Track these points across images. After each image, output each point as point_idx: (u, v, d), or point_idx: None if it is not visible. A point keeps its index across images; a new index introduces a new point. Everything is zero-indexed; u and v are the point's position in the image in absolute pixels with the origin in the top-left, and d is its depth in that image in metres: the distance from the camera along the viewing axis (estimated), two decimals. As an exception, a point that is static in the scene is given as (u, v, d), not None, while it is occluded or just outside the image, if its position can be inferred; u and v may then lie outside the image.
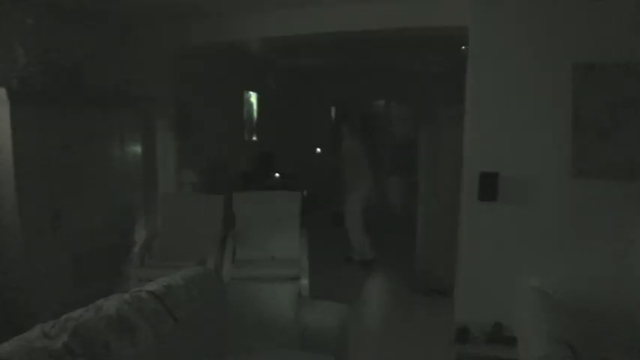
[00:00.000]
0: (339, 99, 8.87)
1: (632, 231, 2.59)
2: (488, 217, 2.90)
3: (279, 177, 7.11)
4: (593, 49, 2.57)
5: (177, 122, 4.94)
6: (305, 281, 3.69)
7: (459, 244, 3.23)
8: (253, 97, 7.55)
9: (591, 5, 2.57)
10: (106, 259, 3.87)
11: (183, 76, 5.03)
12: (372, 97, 8.78)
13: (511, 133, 2.82)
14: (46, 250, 3.36)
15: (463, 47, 3.31)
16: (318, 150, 8.56)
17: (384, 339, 3.59)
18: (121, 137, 4.10)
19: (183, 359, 1.92)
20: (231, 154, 6.56)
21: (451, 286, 3.58)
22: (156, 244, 4.17)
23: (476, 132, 2.93)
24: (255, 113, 7.62)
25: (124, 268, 3.75)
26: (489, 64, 2.84)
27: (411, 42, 3.70)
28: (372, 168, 5.56)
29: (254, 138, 7.61)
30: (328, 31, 3.95)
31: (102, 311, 1.68)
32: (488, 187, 2.79)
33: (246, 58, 6.13)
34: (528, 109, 2.76)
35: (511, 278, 2.76)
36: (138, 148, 4.34)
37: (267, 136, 7.83)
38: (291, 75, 8.15)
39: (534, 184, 2.77)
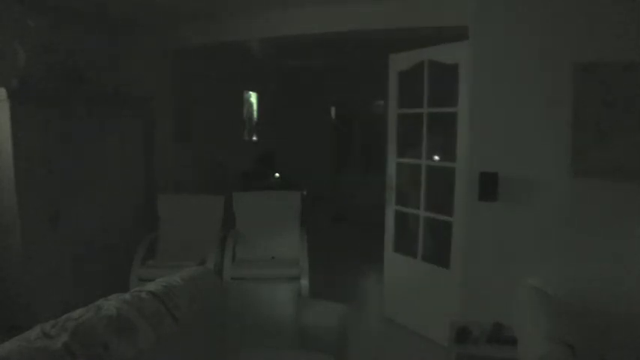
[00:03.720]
0: (339, 99, 8.87)
1: (632, 231, 2.59)
2: (488, 217, 2.91)
3: (279, 177, 7.12)
4: (593, 48, 2.57)
5: (176, 122, 4.95)
6: (305, 281, 3.69)
7: (452, 245, 3.23)
8: (253, 97, 7.55)
9: (591, 5, 2.57)
10: (106, 259, 3.88)
11: (183, 76, 5.03)
12: (372, 97, 8.78)
13: (511, 133, 2.82)
14: (46, 250, 3.36)
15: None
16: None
17: (383, 339, 3.59)
18: (121, 137, 4.10)
19: (183, 359, 1.92)
20: (231, 154, 6.56)
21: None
22: (156, 244, 4.17)
23: (476, 132, 2.93)
24: (255, 113, 7.63)
25: (123, 268, 3.75)
26: (489, 63, 2.84)
27: (411, 42, 3.70)
28: None
29: (254, 138, 7.61)
30: (328, 31, 3.95)
31: (102, 311, 1.68)
32: (488, 187, 2.79)
33: (246, 58, 6.14)
34: (528, 109, 2.76)
35: (511, 278, 2.76)
36: (138, 149, 4.34)
37: (267, 136, 7.83)
38: (291, 75, 8.16)
39: (534, 184, 2.77)
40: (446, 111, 3.33)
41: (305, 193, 5.54)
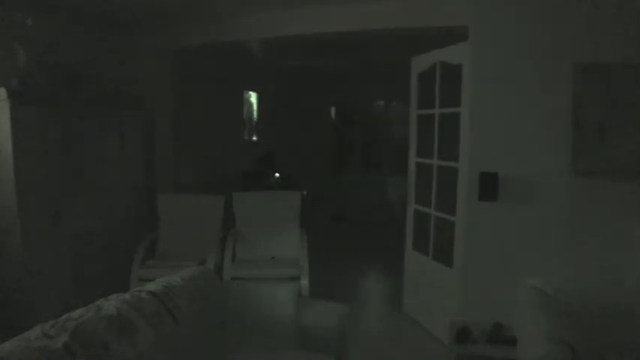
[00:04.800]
0: (339, 99, 8.87)
1: (632, 231, 2.59)
2: (489, 217, 2.91)
3: (279, 177, 7.12)
4: (593, 49, 2.57)
5: (176, 122, 4.94)
6: (305, 281, 3.69)
7: (455, 244, 3.23)
8: (253, 97, 7.55)
9: (591, 5, 2.57)
10: (106, 259, 3.88)
11: (183, 76, 5.03)
12: (372, 97, 8.79)
13: (511, 133, 2.82)
14: (46, 250, 3.36)
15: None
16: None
17: (383, 339, 3.59)
18: (121, 137, 4.10)
19: (183, 359, 1.92)
20: (231, 154, 6.56)
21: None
22: (156, 244, 4.17)
23: (476, 132, 2.93)
24: (255, 113, 7.63)
25: (123, 268, 3.75)
26: (489, 63, 2.84)
27: (411, 42, 3.71)
28: None
29: (254, 138, 7.61)
30: (328, 31, 3.95)
31: (102, 311, 1.68)
32: (489, 187, 2.79)
33: (246, 58, 6.13)
34: (528, 109, 2.76)
35: (511, 278, 2.76)
36: (138, 148, 4.34)
37: (267, 136, 7.83)
38: (291, 75, 8.16)
39: (534, 184, 2.78)
40: (451, 111, 3.31)
41: (305, 193, 5.54)
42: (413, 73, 3.81)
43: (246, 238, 4.26)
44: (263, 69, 7.34)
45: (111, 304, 1.75)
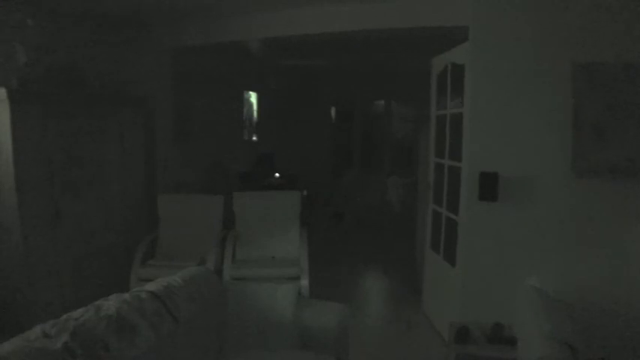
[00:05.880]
0: (339, 99, 8.88)
1: (631, 231, 2.59)
2: (489, 217, 2.91)
3: (279, 177, 7.12)
4: (593, 48, 2.58)
5: (176, 122, 4.95)
6: (305, 281, 3.69)
7: (457, 244, 3.23)
8: (253, 97, 7.56)
9: (591, 5, 2.58)
10: (106, 259, 3.88)
11: (184, 76, 5.04)
12: (372, 97, 8.79)
13: (511, 133, 2.82)
14: (46, 250, 3.36)
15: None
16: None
17: (384, 339, 3.59)
18: (121, 137, 4.10)
19: (183, 359, 1.92)
20: (231, 154, 6.57)
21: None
22: (156, 244, 4.17)
23: (476, 132, 2.93)
24: (255, 113, 7.64)
25: (123, 268, 3.75)
26: (489, 63, 2.84)
27: (411, 42, 3.71)
28: None
29: (254, 138, 7.62)
30: (328, 31, 3.95)
31: (102, 311, 1.68)
32: (489, 187, 2.79)
33: (246, 58, 6.14)
34: (528, 109, 2.76)
35: (511, 278, 2.76)
36: (138, 148, 4.34)
37: (267, 136, 7.84)
38: (291, 75, 8.16)
39: (534, 184, 2.78)
40: (459, 111, 3.30)
41: (305, 193, 5.54)
42: (433, 73, 3.80)
43: (246, 238, 4.26)
44: (263, 69, 7.35)
45: (111, 304, 1.75)
